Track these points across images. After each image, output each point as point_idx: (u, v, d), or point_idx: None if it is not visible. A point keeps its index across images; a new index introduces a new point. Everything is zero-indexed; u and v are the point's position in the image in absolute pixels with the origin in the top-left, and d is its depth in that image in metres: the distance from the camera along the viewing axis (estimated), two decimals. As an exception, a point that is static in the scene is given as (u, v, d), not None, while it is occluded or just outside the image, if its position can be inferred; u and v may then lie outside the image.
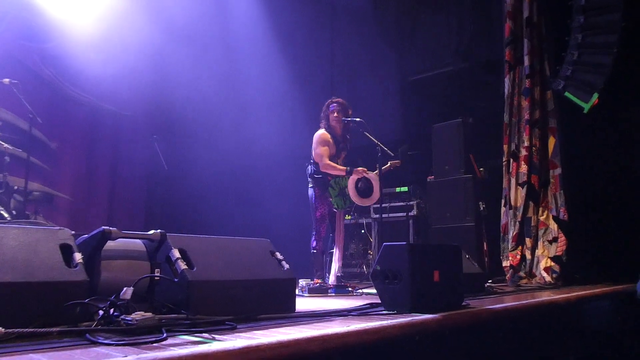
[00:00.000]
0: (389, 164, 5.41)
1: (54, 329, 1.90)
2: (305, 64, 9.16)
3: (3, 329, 1.78)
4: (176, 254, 2.44)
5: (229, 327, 2.14)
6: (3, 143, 5.55)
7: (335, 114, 5.28)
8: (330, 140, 5.27)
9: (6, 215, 5.39)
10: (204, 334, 1.99)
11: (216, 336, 1.95)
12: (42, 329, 1.87)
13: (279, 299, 2.78)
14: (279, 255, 2.92)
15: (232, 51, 8.65)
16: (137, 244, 2.61)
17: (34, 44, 6.88)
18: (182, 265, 2.40)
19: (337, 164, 5.25)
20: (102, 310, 2.09)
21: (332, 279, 4.98)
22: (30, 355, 1.64)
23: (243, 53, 8.70)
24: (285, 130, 8.40)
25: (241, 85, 8.68)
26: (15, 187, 5.78)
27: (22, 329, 1.84)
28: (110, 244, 2.42)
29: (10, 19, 6.65)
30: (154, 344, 1.79)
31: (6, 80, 5.49)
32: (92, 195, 7.55)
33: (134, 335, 1.92)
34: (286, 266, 2.89)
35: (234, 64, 8.65)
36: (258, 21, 8.65)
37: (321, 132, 5.29)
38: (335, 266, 5.06)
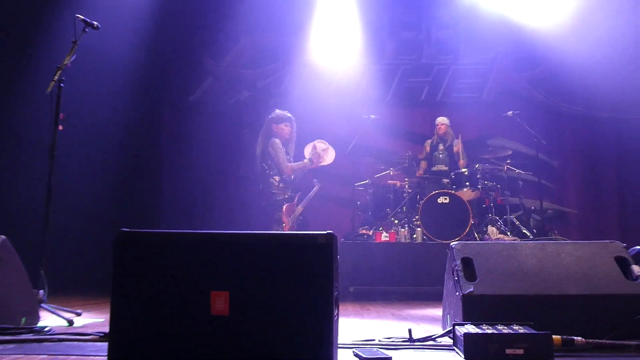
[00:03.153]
0: None
1: (632, 342, 1.91)
2: None
3: (584, 339, 1.91)
4: None
5: None
6: (515, 169, 6.13)
7: None
8: None
9: (528, 233, 5.88)
10: None
11: None
12: (620, 342, 1.91)
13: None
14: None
15: None
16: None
17: (523, 73, 7.45)
18: None
19: None
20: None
21: None
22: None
23: None
24: None
25: None
26: (532, 208, 6.29)
27: (599, 340, 1.92)
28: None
29: (501, 56, 7.47)
30: None
31: (509, 112, 6.11)
32: (600, 206, 7.34)
33: None
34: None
35: None
36: None
37: None
38: None
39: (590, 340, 1.92)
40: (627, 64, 6.96)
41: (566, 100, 7.36)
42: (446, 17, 7.58)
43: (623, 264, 2.18)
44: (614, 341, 1.92)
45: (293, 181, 5.40)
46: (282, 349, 1.65)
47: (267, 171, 5.28)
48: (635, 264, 2.17)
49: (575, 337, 1.93)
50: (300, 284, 1.67)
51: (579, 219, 7.31)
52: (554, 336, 1.86)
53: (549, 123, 7.27)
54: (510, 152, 6.29)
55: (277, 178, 5.25)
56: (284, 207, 5.29)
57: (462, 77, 7.57)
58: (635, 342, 1.92)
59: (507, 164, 6.15)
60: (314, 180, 5.72)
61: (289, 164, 5.29)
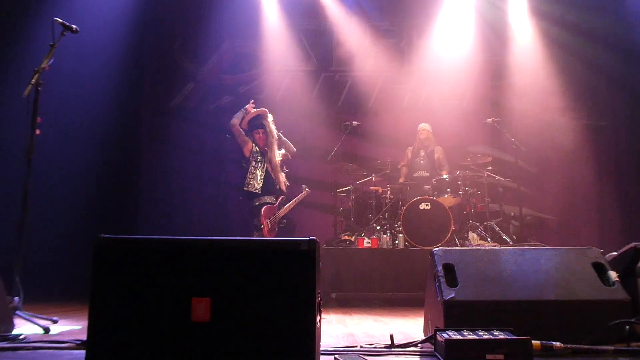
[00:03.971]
0: None
1: (608, 347, 1.93)
2: None
3: (562, 344, 1.93)
4: None
5: None
6: (495, 176, 6.20)
7: None
8: None
9: (508, 239, 5.94)
10: None
11: None
12: (598, 347, 1.93)
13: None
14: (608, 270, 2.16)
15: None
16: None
17: (502, 81, 7.59)
18: None
19: None
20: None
21: None
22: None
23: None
24: None
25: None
26: (512, 214, 6.36)
27: (578, 345, 1.95)
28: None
29: (481, 64, 7.55)
30: None
31: (489, 119, 6.18)
32: (577, 213, 7.46)
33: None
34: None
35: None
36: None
37: None
38: None
39: (569, 346, 1.94)
40: (603, 71, 7.12)
41: (544, 108, 7.48)
42: (427, 25, 7.65)
43: (600, 269, 2.22)
44: (592, 346, 1.94)
45: (266, 181, 5.60)
46: (264, 355, 1.63)
47: (245, 171, 5.65)
48: (612, 270, 2.20)
49: (554, 342, 1.95)
50: (282, 290, 1.66)
51: (557, 225, 7.41)
52: (533, 341, 1.87)
53: (528, 130, 7.37)
54: (490, 159, 6.35)
55: (251, 174, 5.59)
56: (263, 209, 5.39)
57: (444, 85, 7.64)
58: (613, 347, 1.95)
59: (488, 170, 6.22)
60: (303, 186, 5.78)
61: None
